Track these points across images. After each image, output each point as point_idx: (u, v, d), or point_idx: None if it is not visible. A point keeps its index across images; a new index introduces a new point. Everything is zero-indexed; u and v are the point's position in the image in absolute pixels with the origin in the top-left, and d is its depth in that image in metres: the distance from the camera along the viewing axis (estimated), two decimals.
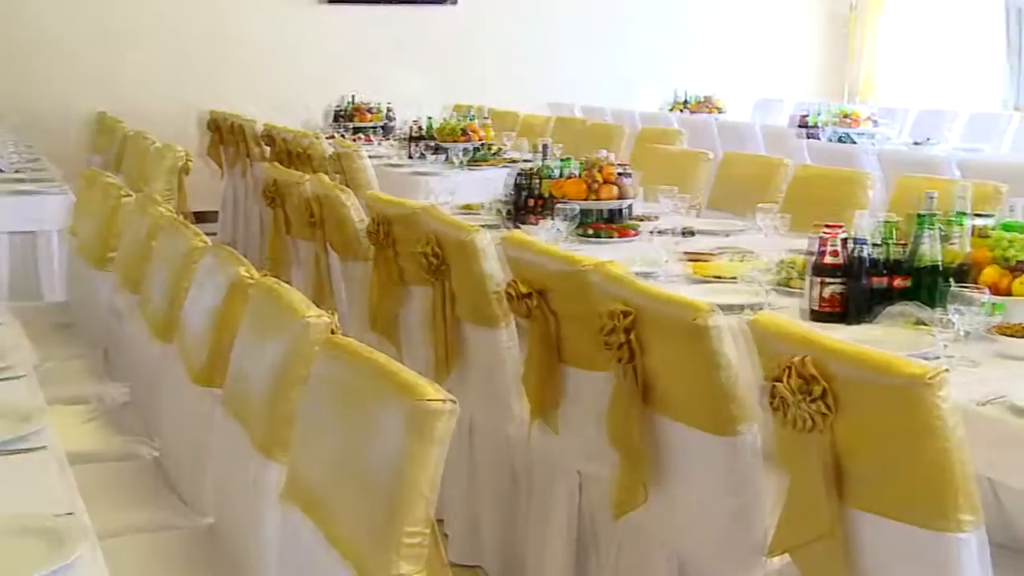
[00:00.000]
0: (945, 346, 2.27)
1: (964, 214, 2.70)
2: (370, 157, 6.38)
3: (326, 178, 3.89)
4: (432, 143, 6.37)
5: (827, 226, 2.67)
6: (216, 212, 8.12)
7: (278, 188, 4.21)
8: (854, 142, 7.03)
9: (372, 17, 9.59)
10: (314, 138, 6.07)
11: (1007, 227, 2.61)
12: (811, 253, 2.74)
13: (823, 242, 2.65)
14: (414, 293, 3.36)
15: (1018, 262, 2.44)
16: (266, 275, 2.26)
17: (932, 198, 2.80)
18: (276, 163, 4.94)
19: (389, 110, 8.11)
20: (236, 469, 1.97)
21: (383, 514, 1.39)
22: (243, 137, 7.37)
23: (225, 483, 2.06)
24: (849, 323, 2.60)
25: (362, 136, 7.50)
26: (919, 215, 2.67)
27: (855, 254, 2.63)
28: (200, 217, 8.25)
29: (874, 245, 2.65)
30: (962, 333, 2.27)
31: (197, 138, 8.30)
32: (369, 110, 8.06)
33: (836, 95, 10.47)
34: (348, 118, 8.02)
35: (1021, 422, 1.93)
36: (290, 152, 6.38)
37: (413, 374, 1.49)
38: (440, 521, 3.20)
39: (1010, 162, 5.25)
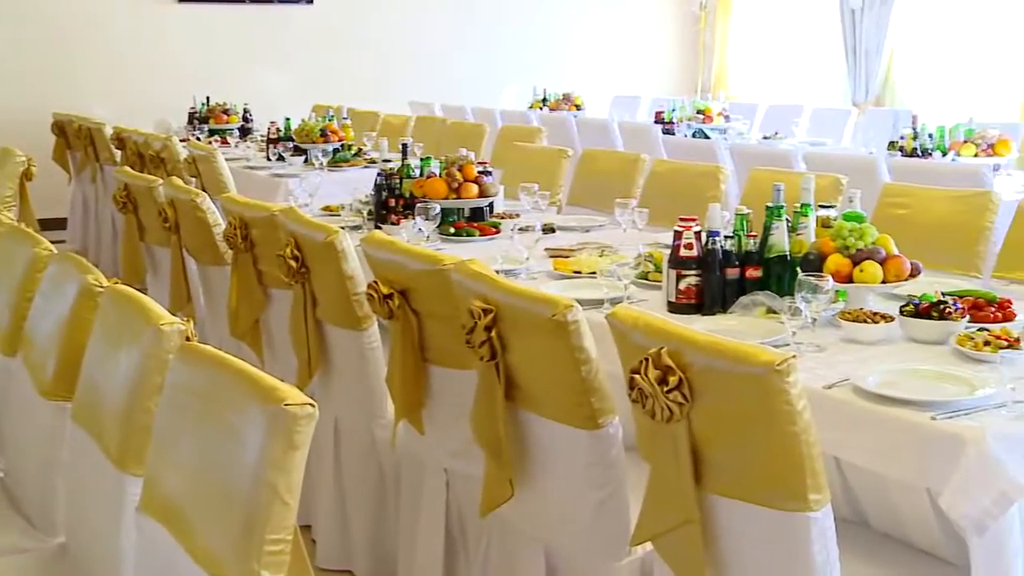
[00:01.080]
0: (794, 333, 2.36)
1: (809, 205, 2.80)
2: (228, 160, 6.23)
3: (180, 182, 3.78)
4: (291, 145, 6.27)
5: (682, 219, 2.74)
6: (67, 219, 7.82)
7: (130, 193, 4.07)
8: (708, 137, 7.24)
9: (228, 17, 9.37)
10: (167, 141, 5.89)
11: (848, 217, 2.72)
12: (668, 246, 2.82)
13: (678, 235, 2.73)
14: (275, 297, 3.30)
15: (858, 250, 2.56)
16: (117, 282, 2.18)
17: (779, 190, 2.90)
18: (127, 167, 4.77)
19: (246, 112, 7.94)
20: (90, 484, 1.90)
21: (243, 522, 1.36)
22: (91, 141, 7.10)
23: (78, 500, 1.98)
24: (705, 314, 2.68)
25: (219, 138, 7.32)
26: (768, 207, 2.77)
27: (709, 246, 2.71)
28: (51, 224, 7.93)
29: (727, 237, 2.74)
30: (810, 320, 2.37)
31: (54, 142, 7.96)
32: (225, 112, 7.86)
33: (690, 91, 10.76)
34: (204, 120, 7.81)
35: (864, 403, 2.02)
36: (142, 155, 6.19)
37: (271, 379, 1.46)
38: (307, 527, 3.15)
39: (850, 155, 5.49)
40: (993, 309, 2.52)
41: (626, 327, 1.92)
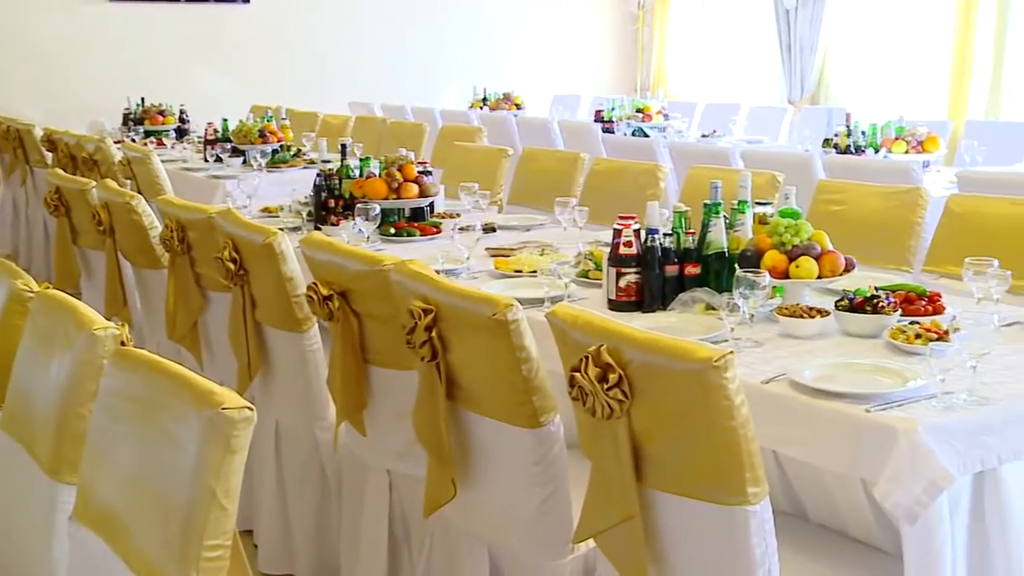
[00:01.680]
0: (732, 329, 2.39)
1: (746, 202, 2.84)
2: (164, 162, 6.14)
3: (114, 184, 3.72)
4: (229, 146, 6.19)
5: (621, 218, 2.76)
6: None
7: (62, 196, 4.00)
8: (647, 136, 7.29)
9: (163, 16, 9.25)
10: (101, 142, 5.79)
11: (784, 214, 2.76)
12: (608, 244, 2.83)
13: (617, 233, 2.74)
14: (213, 299, 3.26)
15: (794, 247, 2.59)
16: (49, 287, 2.14)
17: (716, 188, 2.93)
18: (59, 170, 4.68)
19: (183, 112, 7.83)
20: (20, 495, 1.86)
21: (180, 529, 1.34)
22: (20, 142, 6.95)
23: (6, 511, 1.93)
24: (645, 311, 2.70)
25: (154, 140, 7.21)
26: (706, 204, 2.80)
27: (648, 244, 2.73)
28: None
29: (666, 235, 2.76)
30: (747, 316, 2.39)
31: None
32: (161, 113, 7.75)
33: (629, 90, 10.84)
34: (139, 122, 7.69)
35: (800, 397, 2.05)
36: (75, 158, 6.07)
37: (208, 383, 1.44)
38: (249, 532, 3.12)
39: (786, 152, 5.57)
40: (924, 303, 2.58)
41: (566, 325, 1.93)
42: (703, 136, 7.32)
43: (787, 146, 6.59)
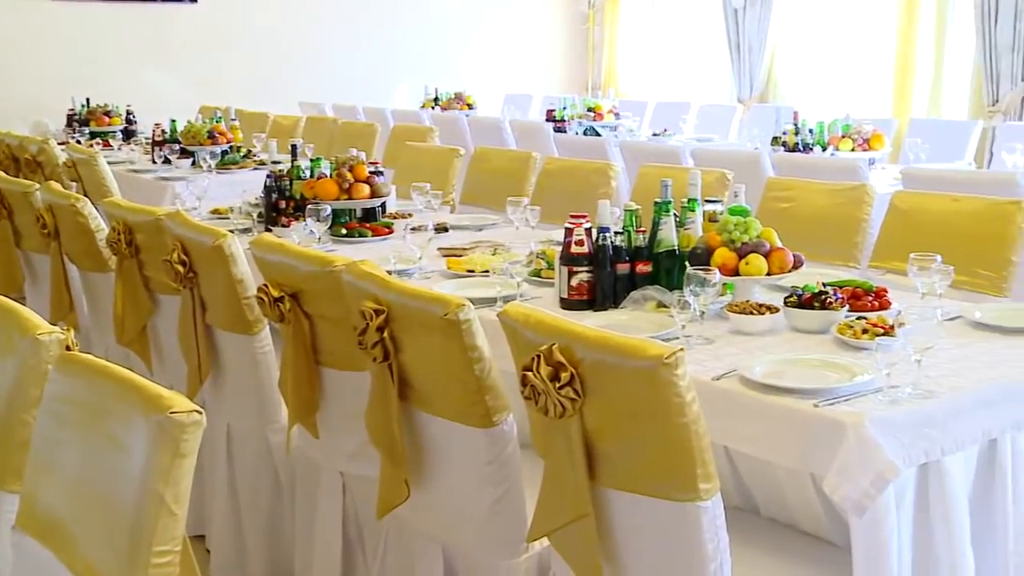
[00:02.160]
0: (683, 326, 2.41)
1: (696, 200, 2.86)
2: (111, 163, 6.06)
3: (59, 186, 3.66)
4: (178, 147, 6.12)
5: (572, 216, 2.77)
6: None
7: (3, 198, 3.92)
8: (599, 134, 7.33)
9: (109, 16, 9.11)
10: (44, 144, 5.69)
11: (733, 211, 2.79)
12: (559, 243, 2.84)
13: (569, 232, 2.75)
14: (163, 303, 3.22)
15: (743, 244, 2.62)
16: None
17: (667, 186, 2.95)
18: (0, 172, 4.59)
19: (130, 113, 7.73)
20: None
21: (128, 536, 1.32)
22: None
23: None
24: (597, 309, 2.71)
25: (100, 141, 7.11)
26: (656, 203, 2.81)
27: (600, 243, 2.74)
28: None
29: (617, 233, 2.77)
30: (698, 313, 2.41)
31: None
32: (107, 114, 7.64)
33: (580, 89, 10.88)
34: (84, 123, 7.57)
35: (750, 393, 2.07)
36: (17, 159, 5.97)
37: (156, 387, 1.42)
38: (201, 536, 3.09)
39: (736, 150, 5.62)
40: (870, 298, 2.62)
41: (518, 324, 1.93)
42: (654, 135, 7.37)
43: (737, 144, 6.66)
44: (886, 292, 2.65)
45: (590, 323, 2.53)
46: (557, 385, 1.79)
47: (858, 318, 2.45)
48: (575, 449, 1.84)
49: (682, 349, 1.71)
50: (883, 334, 2.32)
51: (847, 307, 2.52)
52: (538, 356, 1.82)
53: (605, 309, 2.71)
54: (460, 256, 3.37)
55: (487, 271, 3.10)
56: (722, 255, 2.62)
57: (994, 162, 6.23)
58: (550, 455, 1.93)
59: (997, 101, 7.41)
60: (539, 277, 3.02)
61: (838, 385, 2.06)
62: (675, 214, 2.85)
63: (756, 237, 2.65)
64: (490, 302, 2.77)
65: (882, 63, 8.48)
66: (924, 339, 2.07)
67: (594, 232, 2.75)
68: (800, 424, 1.99)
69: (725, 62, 9.64)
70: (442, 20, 10.57)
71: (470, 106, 8.98)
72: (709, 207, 2.92)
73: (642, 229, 2.79)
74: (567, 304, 2.74)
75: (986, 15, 7.36)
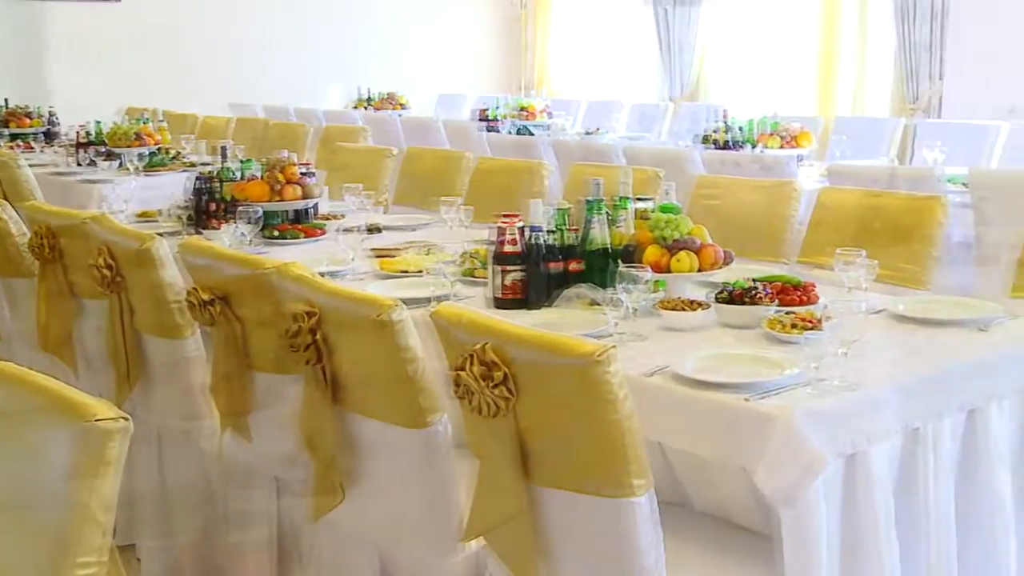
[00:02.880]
0: (616, 324, 2.42)
1: (627, 198, 2.88)
2: (33, 166, 5.92)
3: None
4: (103, 149, 6.00)
5: (504, 216, 2.77)
6: None
7: None
8: (531, 133, 7.35)
9: (30, 15, 8.90)
10: None
11: (664, 209, 2.82)
12: (492, 243, 2.84)
13: (501, 231, 2.75)
14: (88, 307, 3.15)
15: (674, 241, 2.65)
16: None
17: (598, 184, 2.97)
18: None
19: (52, 115, 7.56)
20: None
21: (50, 548, 1.29)
22: None
23: None
24: (530, 308, 2.72)
25: (21, 143, 6.94)
26: (587, 201, 2.83)
27: (532, 241, 2.75)
28: None
29: (549, 232, 2.78)
30: (630, 310, 2.43)
31: None
32: (28, 115, 7.46)
33: (513, 89, 10.90)
34: (4, 124, 7.38)
35: (682, 389, 2.09)
36: None
37: (80, 393, 1.39)
38: (131, 546, 3.03)
39: (666, 148, 5.66)
40: (798, 293, 2.65)
41: (449, 324, 1.93)
42: (586, 133, 7.41)
43: (668, 142, 6.72)
44: (813, 287, 2.69)
45: (523, 322, 2.53)
46: (490, 384, 1.79)
47: (787, 313, 2.48)
48: (509, 448, 1.84)
49: (613, 346, 1.72)
50: (811, 328, 2.36)
51: (776, 302, 2.56)
52: (471, 356, 1.82)
53: (538, 308, 2.71)
54: (393, 256, 3.36)
55: (420, 271, 3.09)
56: (653, 252, 2.65)
57: (915, 159, 6.37)
58: (484, 454, 1.93)
59: (917, 99, 7.59)
60: (472, 277, 3.02)
61: (767, 379, 2.09)
62: (606, 212, 2.87)
63: (686, 234, 2.68)
64: (423, 302, 2.76)
65: (806, 62, 8.64)
66: (850, 332, 2.11)
67: (526, 231, 2.76)
68: (731, 418, 2.01)
69: (656, 62, 9.73)
70: (375, 21, 10.51)
71: (403, 106, 8.97)
72: (640, 205, 2.94)
73: (574, 228, 2.80)
74: (500, 303, 2.74)
75: (905, 15, 7.55)
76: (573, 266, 2.77)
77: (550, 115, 7.69)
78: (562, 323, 2.53)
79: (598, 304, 2.61)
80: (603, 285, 2.70)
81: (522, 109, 7.65)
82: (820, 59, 8.52)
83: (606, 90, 9.98)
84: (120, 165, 5.78)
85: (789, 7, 8.83)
